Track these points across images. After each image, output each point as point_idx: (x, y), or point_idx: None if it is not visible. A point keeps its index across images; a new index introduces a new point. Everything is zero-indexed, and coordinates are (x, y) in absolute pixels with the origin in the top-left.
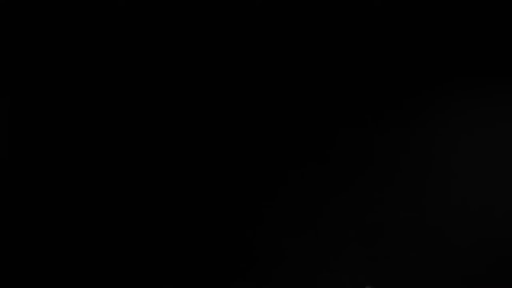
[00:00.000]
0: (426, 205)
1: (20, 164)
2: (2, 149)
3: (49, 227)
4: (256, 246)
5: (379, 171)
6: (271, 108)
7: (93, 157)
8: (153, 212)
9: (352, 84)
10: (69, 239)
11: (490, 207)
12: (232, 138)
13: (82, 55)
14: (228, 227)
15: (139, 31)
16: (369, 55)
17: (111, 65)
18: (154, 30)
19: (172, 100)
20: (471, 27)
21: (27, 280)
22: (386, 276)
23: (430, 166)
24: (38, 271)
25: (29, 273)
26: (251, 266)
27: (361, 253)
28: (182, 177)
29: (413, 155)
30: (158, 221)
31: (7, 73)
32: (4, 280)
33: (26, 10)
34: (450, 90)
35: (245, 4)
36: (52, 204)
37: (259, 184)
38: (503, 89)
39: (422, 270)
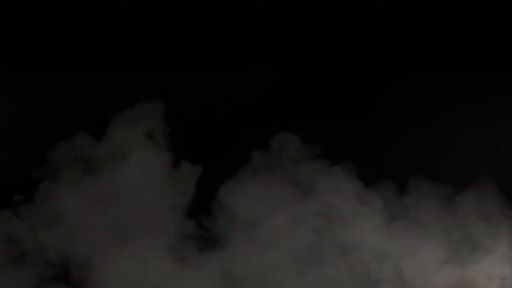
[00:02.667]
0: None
1: None
2: None
3: None
4: None
5: (379, 170)
6: None
7: None
8: None
9: (350, 84)
10: None
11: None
12: None
13: None
14: None
15: None
16: (369, 55)
17: None
18: None
19: None
20: (471, 28)
21: None
22: None
23: (430, 165)
24: None
25: None
26: None
27: None
28: None
29: (412, 154)
30: None
31: None
32: None
33: None
34: (450, 90)
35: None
36: None
37: None
38: (502, 89)
39: None
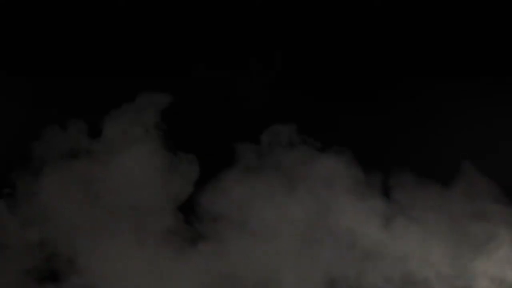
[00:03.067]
0: None
1: None
2: None
3: None
4: None
5: (378, 169)
6: None
7: None
8: None
9: (349, 85)
10: None
11: None
12: None
13: None
14: None
15: None
16: (369, 54)
17: None
18: None
19: None
20: (471, 28)
21: None
22: None
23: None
24: None
25: None
26: None
27: None
28: None
29: (413, 154)
30: None
31: None
32: None
33: None
34: (451, 89)
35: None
36: None
37: None
38: (503, 89)
39: None
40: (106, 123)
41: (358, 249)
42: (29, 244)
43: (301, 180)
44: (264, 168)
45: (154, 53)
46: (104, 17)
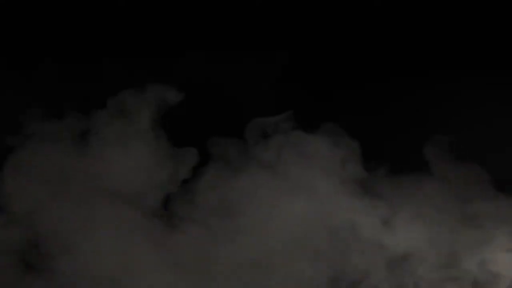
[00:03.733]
0: None
1: None
2: None
3: None
4: None
5: (378, 169)
6: None
7: None
8: None
9: (350, 86)
10: None
11: None
12: None
13: None
14: None
15: None
16: (370, 54)
17: None
18: None
19: None
20: (471, 27)
21: None
22: None
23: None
24: None
25: None
26: None
27: None
28: None
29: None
30: None
31: None
32: None
33: None
34: (451, 86)
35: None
36: None
37: None
38: (503, 86)
39: None
40: (97, 116)
41: (355, 246)
42: (12, 237)
43: (295, 173)
44: (253, 163)
45: (153, 46)
46: (104, 11)
